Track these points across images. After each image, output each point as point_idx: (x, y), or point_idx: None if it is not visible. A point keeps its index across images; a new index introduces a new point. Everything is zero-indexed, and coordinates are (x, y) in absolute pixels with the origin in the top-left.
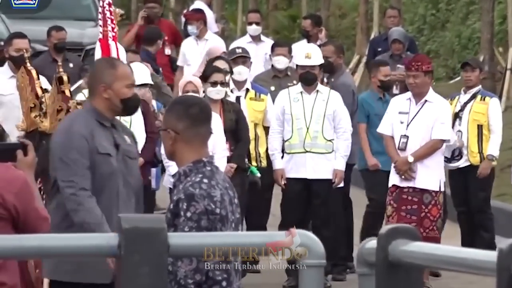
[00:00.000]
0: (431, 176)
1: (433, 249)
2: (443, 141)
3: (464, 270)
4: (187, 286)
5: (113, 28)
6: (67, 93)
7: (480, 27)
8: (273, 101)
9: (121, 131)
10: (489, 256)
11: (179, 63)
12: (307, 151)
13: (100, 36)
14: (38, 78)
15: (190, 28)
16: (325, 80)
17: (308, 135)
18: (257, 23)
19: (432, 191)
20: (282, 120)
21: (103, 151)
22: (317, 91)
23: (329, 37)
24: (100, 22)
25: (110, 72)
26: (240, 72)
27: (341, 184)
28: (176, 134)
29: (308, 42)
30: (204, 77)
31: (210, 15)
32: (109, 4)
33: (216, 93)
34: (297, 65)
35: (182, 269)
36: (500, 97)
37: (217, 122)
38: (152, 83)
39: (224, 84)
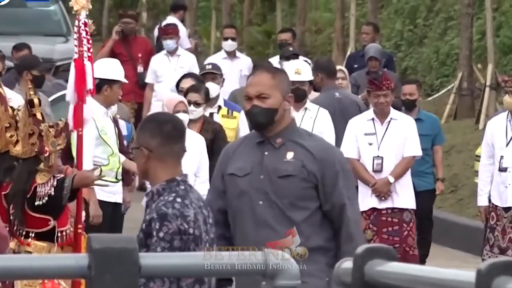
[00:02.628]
0: (408, 195)
1: (410, 270)
2: (414, 157)
3: None
4: None
5: (89, 48)
6: (39, 116)
7: (459, 43)
8: None
9: (283, 147)
10: (468, 276)
11: (148, 80)
12: None
13: (76, 56)
14: None
15: (170, 43)
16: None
17: None
18: (233, 39)
19: (411, 209)
20: None
21: (229, 171)
22: (306, 108)
23: (305, 53)
24: (76, 42)
25: None
26: (209, 88)
27: None
28: (149, 152)
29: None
30: None
31: (183, 30)
32: (85, 24)
33: (189, 113)
34: None
35: None
36: (479, 115)
37: (201, 143)
38: (125, 81)
39: (200, 104)
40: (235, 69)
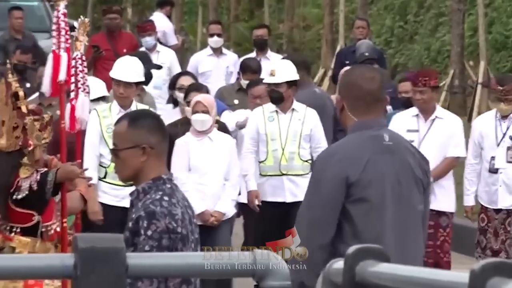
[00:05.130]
0: (448, 197)
1: (402, 271)
2: (458, 158)
3: None
4: None
5: (66, 40)
6: (24, 109)
7: (450, 40)
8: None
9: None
10: (461, 277)
11: None
12: (283, 174)
13: (54, 47)
14: None
15: (148, 40)
16: None
17: (283, 156)
18: (219, 35)
19: (449, 213)
20: (256, 139)
21: None
22: (293, 109)
23: (293, 49)
24: (54, 33)
25: None
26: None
27: None
28: (150, 149)
29: (262, 51)
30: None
31: (169, 26)
32: (64, 14)
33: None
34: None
35: None
36: (471, 112)
37: (230, 143)
38: (119, 79)
39: None
40: (222, 66)
